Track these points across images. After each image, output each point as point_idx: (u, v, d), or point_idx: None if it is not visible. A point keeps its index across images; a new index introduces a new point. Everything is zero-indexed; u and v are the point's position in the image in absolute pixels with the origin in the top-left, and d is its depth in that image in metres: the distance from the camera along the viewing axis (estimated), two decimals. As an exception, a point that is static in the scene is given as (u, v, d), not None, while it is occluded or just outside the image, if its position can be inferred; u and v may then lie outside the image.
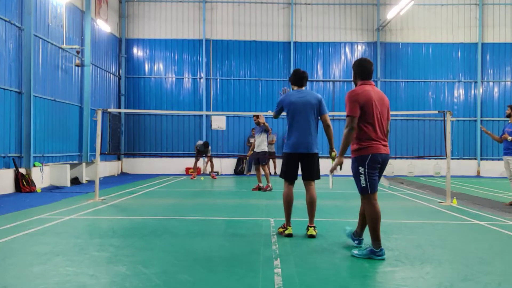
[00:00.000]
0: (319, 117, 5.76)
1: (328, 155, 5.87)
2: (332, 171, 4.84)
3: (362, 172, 4.55)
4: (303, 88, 5.86)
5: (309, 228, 5.64)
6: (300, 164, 5.72)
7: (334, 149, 5.73)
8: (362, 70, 4.75)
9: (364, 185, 4.55)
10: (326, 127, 5.75)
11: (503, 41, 19.27)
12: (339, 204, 9.06)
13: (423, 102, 19.26)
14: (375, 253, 4.51)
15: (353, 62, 4.89)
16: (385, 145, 4.63)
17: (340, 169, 4.75)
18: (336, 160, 4.75)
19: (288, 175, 5.71)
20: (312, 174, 5.70)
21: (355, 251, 4.69)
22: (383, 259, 4.47)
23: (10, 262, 4.34)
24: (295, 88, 5.89)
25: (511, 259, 4.72)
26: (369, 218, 4.57)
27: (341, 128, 16.66)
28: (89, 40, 15.24)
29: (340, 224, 6.37)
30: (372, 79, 4.79)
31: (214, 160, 19.06)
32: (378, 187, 4.64)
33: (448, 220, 7.12)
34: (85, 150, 15.15)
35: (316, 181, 5.78)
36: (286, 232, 5.64)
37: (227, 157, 18.96)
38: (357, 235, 5.09)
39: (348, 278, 3.87)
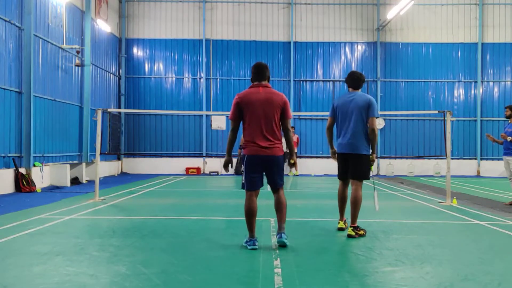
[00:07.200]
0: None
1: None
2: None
3: (243, 170, 4.99)
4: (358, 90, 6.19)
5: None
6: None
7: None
8: (253, 72, 5.06)
9: (243, 181, 5.01)
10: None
11: (503, 41, 19.27)
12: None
13: (423, 102, 19.25)
14: (247, 242, 4.93)
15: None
16: (266, 146, 4.82)
17: (231, 167, 5.14)
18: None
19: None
20: (357, 172, 5.92)
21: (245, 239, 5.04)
22: (254, 249, 4.78)
23: (10, 262, 4.34)
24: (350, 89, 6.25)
25: (511, 259, 4.72)
26: (244, 211, 4.96)
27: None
28: (89, 40, 15.23)
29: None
30: (266, 80, 5.05)
31: (214, 160, 19.07)
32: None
33: (448, 220, 7.12)
34: (85, 150, 15.15)
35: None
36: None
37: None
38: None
39: (348, 278, 3.86)
